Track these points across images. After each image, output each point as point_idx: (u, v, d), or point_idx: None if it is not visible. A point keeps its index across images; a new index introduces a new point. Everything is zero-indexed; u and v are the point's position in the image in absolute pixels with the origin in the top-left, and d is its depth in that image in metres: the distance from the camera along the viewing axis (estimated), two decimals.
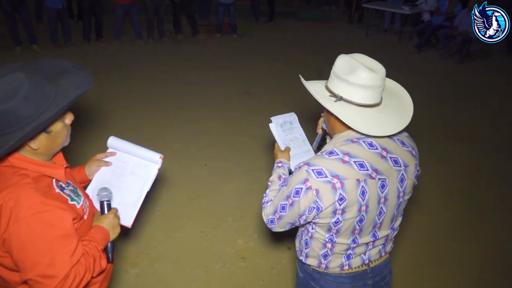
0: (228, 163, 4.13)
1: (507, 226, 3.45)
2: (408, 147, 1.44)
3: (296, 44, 8.59)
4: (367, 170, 1.32)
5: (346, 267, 1.47)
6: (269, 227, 1.51)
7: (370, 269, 1.52)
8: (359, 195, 1.31)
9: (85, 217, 1.39)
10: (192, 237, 3.17)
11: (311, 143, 1.84)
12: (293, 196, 1.35)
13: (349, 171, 1.30)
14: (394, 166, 1.38)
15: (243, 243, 3.12)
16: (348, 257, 1.46)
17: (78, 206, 1.34)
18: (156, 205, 3.48)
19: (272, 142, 1.87)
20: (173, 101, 5.54)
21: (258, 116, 5.13)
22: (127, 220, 1.64)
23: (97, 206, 1.52)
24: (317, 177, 1.30)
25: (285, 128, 1.82)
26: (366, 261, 1.49)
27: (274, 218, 1.46)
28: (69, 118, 1.34)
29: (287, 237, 3.03)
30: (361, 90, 1.31)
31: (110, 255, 1.46)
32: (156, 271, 2.84)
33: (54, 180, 1.32)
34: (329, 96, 1.37)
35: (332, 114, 1.37)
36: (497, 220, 3.52)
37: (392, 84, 1.54)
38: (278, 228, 1.49)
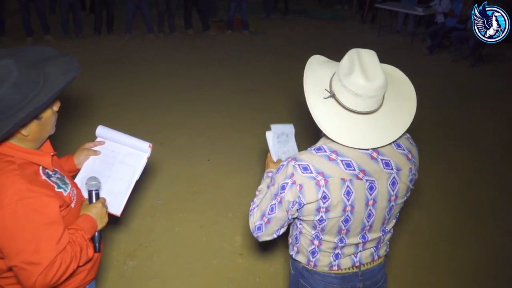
0: (230, 160, 4.12)
1: (507, 231, 3.39)
2: (403, 150, 1.38)
3: (307, 43, 8.54)
4: (354, 170, 1.29)
5: (335, 268, 1.45)
6: (256, 236, 1.44)
7: (361, 272, 1.48)
8: (344, 194, 1.28)
9: (72, 205, 1.38)
10: (191, 231, 3.17)
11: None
12: (280, 192, 1.32)
13: (335, 169, 1.28)
14: (384, 168, 1.33)
15: (241, 239, 3.11)
16: (337, 256, 1.43)
17: (65, 194, 1.34)
18: (158, 198, 3.49)
19: None
20: (179, 96, 5.54)
21: (263, 114, 5.12)
22: (117, 208, 1.63)
23: (85, 195, 1.51)
24: (302, 172, 1.28)
25: (281, 140, 1.77)
26: (357, 263, 1.46)
27: (261, 224, 1.41)
28: (56, 105, 1.34)
29: (286, 235, 3.02)
30: (350, 95, 1.24)
31: (97, 244, 1.45)
32: (154, 264, 2.84)
33: (40, 167, 1.31)
34: (325, 89, 1.31)
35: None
36: (496, 224, 3.46)
37: (405, 87, 1.40)
38: (265, 235, 1.43)
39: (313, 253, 1.45)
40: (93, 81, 5.65)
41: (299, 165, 1.29)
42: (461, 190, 3.90)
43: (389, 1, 9.82)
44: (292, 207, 1.32)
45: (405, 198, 1.44)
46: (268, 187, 1.43)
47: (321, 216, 1.32)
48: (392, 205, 1.40)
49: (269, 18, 10.17)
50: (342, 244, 1.40)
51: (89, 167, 1.68)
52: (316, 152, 1.31)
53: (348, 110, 1.27)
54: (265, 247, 3.04)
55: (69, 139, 3.61)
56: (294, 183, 1.28)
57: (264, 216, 1.39)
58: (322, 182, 1.26)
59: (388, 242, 1.54)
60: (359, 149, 1.31)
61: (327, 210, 1.30)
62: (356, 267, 1.47)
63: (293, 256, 1.53)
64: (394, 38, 9.36)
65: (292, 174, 1.29)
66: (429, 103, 5.65)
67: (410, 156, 1.39)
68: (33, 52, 1.31)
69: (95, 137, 1.75)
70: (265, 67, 6.89)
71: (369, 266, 1.50)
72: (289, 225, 1.53)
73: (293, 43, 8.51)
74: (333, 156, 1.29)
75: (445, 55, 8.13)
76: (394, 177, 1.35)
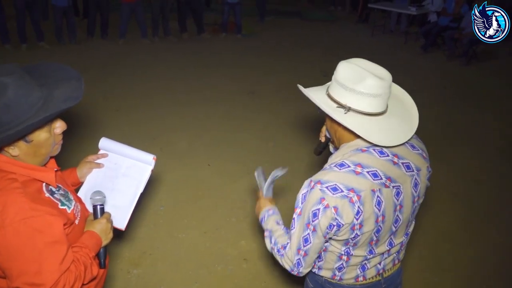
0: (232, 163, 4.11)
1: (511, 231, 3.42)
2: (418, 150, 1.41)
3: (302, 44, 8.55)
4: (381, 179, 1.28)
5: (360, 278, 1.44)
6: (296, 273, 1.37)
7: (383, 279, 1.49)
8: (375, 205, 1.27)
9: (77, 222, 1.35)
10: (195, 237, 3.15)
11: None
12: (312, 220, 1.27)
13: (364, 182, 1.26)
14: (406, 171, 1.34)
15: (246, 244, 3.10)
16: (363, 268, 1.43)
17: (69, 211, 1.31)
18: (160, 205, 3.47)
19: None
20: (176, 99, 5.53)
21: (262, 116, 5.12)
22: (121, 222, 1.61)
23: (90, 209, 1.48)
24: (333, 194, 1.24)
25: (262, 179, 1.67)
26: (381, 271, 1.47)
27: (299, 259, 1.34)
28: (60, 128, 1.30)
29: None
30: (370, 99, 1.26)
31: (102, 260, 1.43)
32: (158, 272, 2.83)
33: (44, 184, 1.28)
34: (337, 107, 1.30)
35: (340, 125, 1.31)
36: (500, 225, 3.48)
37: (396, 90, 1.49)
38: (306, 268, 1.37)
39: (340, 268, 1.42)
40: (89, 87, 5.59)
41: (326, 187, 1.25)
42: (462, 189, 3.91)
43: (382, 1, 9.87)
44: (330, 231, 1.28)
45: (423, 197, 1.46)
46: (279, 223, 1.37)
47: (356, 234, 1.29)
48: (416, 206, 1.42)
49: (263, 21, 10.18)
50: (371, 256, 1.39)
51: (92, 180, 1.65)
52: (340, 169, 1.28)
53: (368, 115, 1.29)
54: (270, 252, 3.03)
55: (67, 147, 3.57)
56: (327, 207, 1.24)
57: (300, 250, 1.33)
58: (355, 198, 1.24)
59: (405, 246, 1.55)
60: (380, 155, 1.31)
61: (361, 225, 1.27)
62: (380, 274, 1.47)
63: (316, 272, 1.49)
64: (388, 38, 9.40)
65: (323, 198, 1.24)
66: (424, 102, 5.67)
67: (424, 155, 1.43)
68: (56, 70, 1.29)
69: (96, 145, 1.72)
70: (260, 68, 6.89)
71: (390, 272, 1.51)
72: None
73: (287, 44, 8.52)
74: (359, 169, 1.27)
75: (439, 54, 8.18)
76: (415, 178, 1.37)
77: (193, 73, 6.56)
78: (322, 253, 1.43)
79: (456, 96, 6.22)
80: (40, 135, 1.24)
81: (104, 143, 1.70)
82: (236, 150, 4.37)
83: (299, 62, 7.24)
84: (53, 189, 1.31)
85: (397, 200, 1.33)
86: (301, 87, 1.43)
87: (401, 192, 1.33)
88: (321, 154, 1.69)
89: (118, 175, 1.66)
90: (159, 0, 7.78)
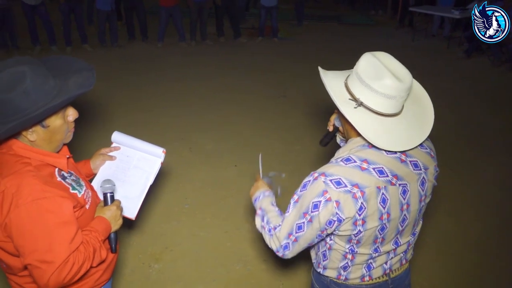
0: (257, 165, 4.11)
1: None
2: (426, 148, 1.38)
3: (339, 48, 8.45)
4: (387, 176, 1.25)
5: (366, 278, 1.42)
6: (281, 254, 1.37)
7: (390, 280, 1.46)
8: (380, 203, 1.24)
9: (87, 206, 1.41)
10: (216, 236, 3.19)
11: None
12: (311, 211, 1.25)
13: (369, 178, 1.23)
14: (414, 170, 1.31)
15: (265, 245, 3.08)
16: (369, 267, 1.40)
17: (79, 195, 1.37)
18: (185, 203, 3.54)
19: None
20: (209, 102, 5.63)
21: (291, 120, 5.12)
22: (131, 212, 1.67)
23: (101, 197, 1.55)
24: (336, 187, 1.21)
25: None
26: (387, 271, 1.43)
27: (288, 243, 1.33)
28: (72, 116, 1.37)
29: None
30: (383, 99, 1.22)
31: (113, 245, 1.49)
32: (178, 268, 2.88)
33: (56, 169, 1.35)
34: (349, 99, 1.27)
35: (348, 121, 1.28)
36: None
37: (417, 88, 1.43)
38: (292, 253, 1.36)
39: (345, 267, 1.40)
40: (127, 88, 5.84)
41: (330, 180, 1.23)
42: (493, 198, 3.74)
43: (425, 4, 9.58)
44: (330, 226, 1.26)
45: (430, 197, 1.42)
46: (273, 204, 1.36)
47: (358, 230, 1.27)
48: (422, 205, 1.38)
49: (301, 25, 10.16)
50: (377, 254, 1.36)
51: (104, 172, 1.73)
52: (346, 164, 1.26)
53: (378, 114, 1.25)
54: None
55: (103, 145, 3.72)
56: (329, 200, 1.22)
57: (291, 234, 1.32)
58: (358, 194, 1.21)
59: (413, 246, 1.51)
60: (387, 152, 1.28)
61: (363, 221, 1.25)
62: (386, 274, 1.44)
63: (321, 272, 1.47)
64: (430, 42, 9.12)
65: (325, 191, 1.22)
66: (462, 108, 5.47)
67: (432, 153, 1.40)
68: (69, 63, 1.37)
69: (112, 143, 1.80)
70: (296, 72, 6.87)
71: (398, 272, 1.47)
72: None
73: (323, 49, 8.45)
74: (365, 165, 1.25)
75: (483, 59, 7.82)
76: (423, 177, 1.34)
77: (227, 77, 6.65)
78: (327, 251, 1.41)
79: (498, 103, 5.91)
80: (56, 121, 1.31)
81: (117, 137, 1.78)
82: (262, 152, 4.36)
83: (334, 66, 7.06)
84: (65, 174, 1.38)
85: (404, 198, 1.29)
86: (320, 70, 1.39)
87: (408, 191, 1.30)
88: (327, 145, 1.65)
89: (130, 167, 1.73)
90: (197, 5, 7.96)
